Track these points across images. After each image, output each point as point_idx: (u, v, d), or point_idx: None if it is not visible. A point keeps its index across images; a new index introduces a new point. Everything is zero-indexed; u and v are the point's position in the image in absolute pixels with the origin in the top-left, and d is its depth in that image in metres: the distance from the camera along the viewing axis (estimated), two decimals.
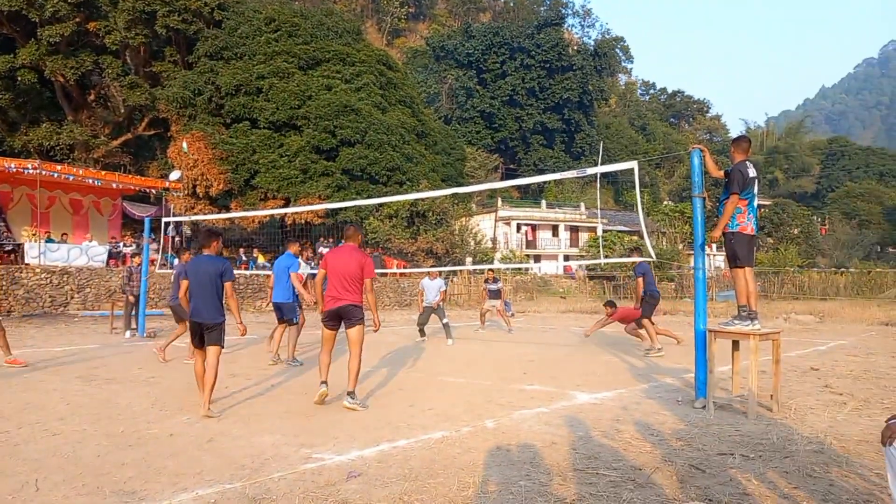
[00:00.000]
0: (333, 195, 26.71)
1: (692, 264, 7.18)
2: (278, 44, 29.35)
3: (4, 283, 16.63)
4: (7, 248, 18.82)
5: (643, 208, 7.86)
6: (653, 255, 7.66)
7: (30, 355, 9.54)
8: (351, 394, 5.94)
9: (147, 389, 6.91)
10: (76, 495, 3.54)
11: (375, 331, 6.33)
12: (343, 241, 6.41)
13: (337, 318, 6.08)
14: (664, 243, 41.12)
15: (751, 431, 5.02)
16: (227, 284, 5.83)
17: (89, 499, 3.48)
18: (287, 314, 8.81)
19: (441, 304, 12.25)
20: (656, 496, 3.54)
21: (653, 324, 10.19)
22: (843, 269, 33.75)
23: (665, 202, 60.47)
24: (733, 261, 5.95)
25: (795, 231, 51.84)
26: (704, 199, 6.16)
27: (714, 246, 50.65)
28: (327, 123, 27.54)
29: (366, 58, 31.64)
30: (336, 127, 27.58)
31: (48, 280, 17.40)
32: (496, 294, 15.17)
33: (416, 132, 33.06)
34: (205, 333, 5.74)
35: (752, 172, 5.80)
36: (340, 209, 26.11)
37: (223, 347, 5.85)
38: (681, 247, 41.83)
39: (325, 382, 6.10)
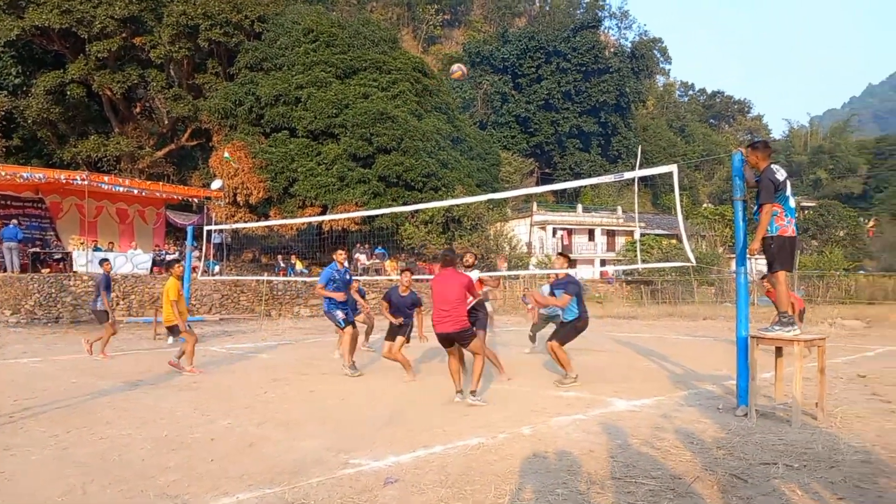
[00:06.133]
0: (370, 202, 26.94)
1: (733, 268, 7.04)
2: (316, 54, 29.78)
3: (54, 290, 17.22)
4: (56, 257, 19.50)
5: (682, 211, 7.69)
6: (692, 259, 7.53)
7: (79, 361, 9.87)
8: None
9: (189, 394, 7.09)
10: (122, 499, 3.65)
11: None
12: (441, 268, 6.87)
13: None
14: (703, 247, 40.35)
15: (795, 440, 4.90)
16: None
17: (134, 501, 3.59)
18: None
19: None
20: None
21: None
22: (892, 273, 32.52)
23: (704, 205, 59.28)
24: (771, 266, 5.81)
25: (841, 233, 50.18)
26: (746, 201, 6.06)
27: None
28: (364, 131, 27.81)
29: (402, 65, 31.87)
30: (372, 134, 27.82)
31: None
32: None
33: (451, 138, 33.14)
34: None
35: (780, 176, 5.69)
36: (376, 216, 26.33)
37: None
38: (721, 250, 41.00)
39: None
